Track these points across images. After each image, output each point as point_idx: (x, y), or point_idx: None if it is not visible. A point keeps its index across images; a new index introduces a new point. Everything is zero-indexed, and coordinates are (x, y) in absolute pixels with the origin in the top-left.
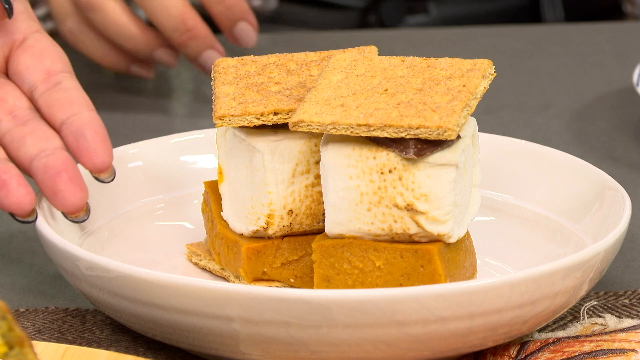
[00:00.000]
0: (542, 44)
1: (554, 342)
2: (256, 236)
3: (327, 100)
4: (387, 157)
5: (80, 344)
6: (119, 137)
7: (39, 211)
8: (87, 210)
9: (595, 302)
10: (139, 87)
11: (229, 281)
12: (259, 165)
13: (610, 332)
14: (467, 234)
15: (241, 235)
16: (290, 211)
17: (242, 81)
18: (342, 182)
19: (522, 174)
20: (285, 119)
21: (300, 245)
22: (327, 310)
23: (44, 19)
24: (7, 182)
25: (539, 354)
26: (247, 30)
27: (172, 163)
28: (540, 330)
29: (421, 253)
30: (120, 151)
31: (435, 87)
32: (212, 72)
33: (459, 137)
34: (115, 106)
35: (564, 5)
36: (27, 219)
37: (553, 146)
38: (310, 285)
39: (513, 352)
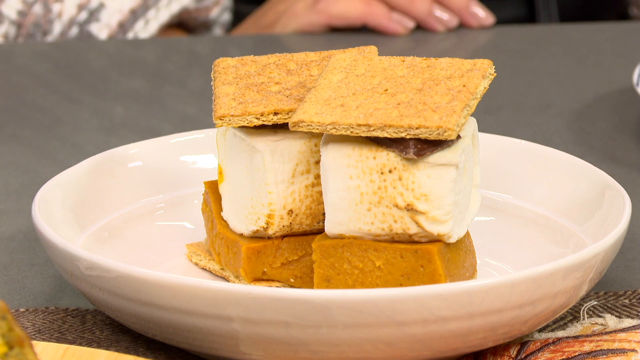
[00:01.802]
0: (542, 44)
1: (554, 342)
2: (256, 236)
3: (327, 100)
4: (387, 157)
5: (80, 344)
6: (119, 137)
7: (39, 212)
8: None
9: (595, 302)
10: (138, 86)
11: (229, 281)
12: (259, 165)
13: (610, 332)
14: (467, 234)
15: (241, 235)
16: (290, 211)
17: (242, 81)
18: (342, 182)
19: (522, 174)
20: (285, 119)
21: (300, 245)
22: (327, 310)
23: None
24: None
25: (539, 354)
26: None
27: (172, 163)
28: (540, 330)
29: (421, 253)
30: (120, 151)
31: (435, 87)
32: (212, 72)
33: (459, 137)
34: (115, 106)
35: (560, 16)
36: None
37: (553, 146)
38: (310, 285)
39: (513, 352)
